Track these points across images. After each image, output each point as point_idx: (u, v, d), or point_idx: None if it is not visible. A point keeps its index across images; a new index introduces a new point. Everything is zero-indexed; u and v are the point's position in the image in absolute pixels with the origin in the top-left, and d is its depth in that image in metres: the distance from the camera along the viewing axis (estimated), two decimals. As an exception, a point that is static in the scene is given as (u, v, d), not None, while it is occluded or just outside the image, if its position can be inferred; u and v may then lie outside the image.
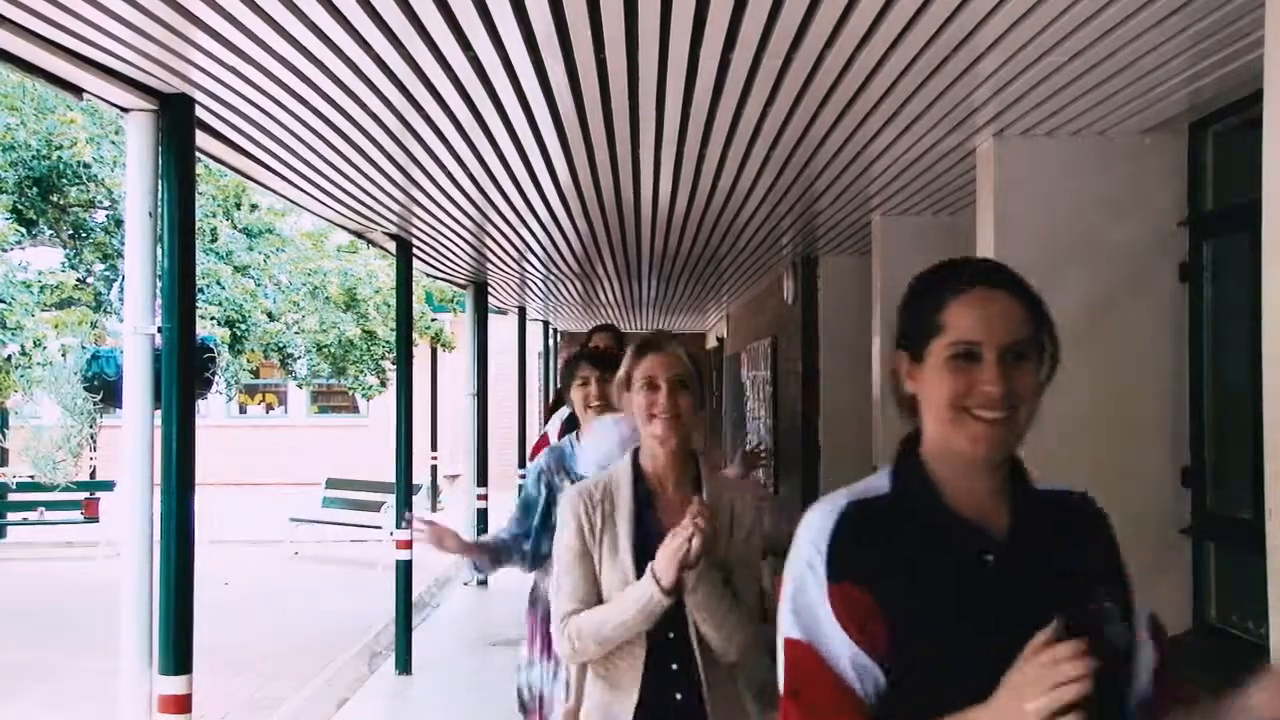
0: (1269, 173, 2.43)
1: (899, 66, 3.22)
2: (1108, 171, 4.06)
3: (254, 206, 12.72)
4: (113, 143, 10.68)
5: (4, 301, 9.88)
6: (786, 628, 1.38)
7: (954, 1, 2.72)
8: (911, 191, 5.21)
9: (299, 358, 13.67)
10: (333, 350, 13.58)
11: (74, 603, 10.13)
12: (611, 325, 5.63)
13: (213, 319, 11.51)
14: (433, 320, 15.82)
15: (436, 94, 3.49)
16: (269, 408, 22.74)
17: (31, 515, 14.03)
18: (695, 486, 2.44)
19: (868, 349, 6.14)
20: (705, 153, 4.35)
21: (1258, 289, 2.49)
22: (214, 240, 11.93)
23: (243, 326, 12.01)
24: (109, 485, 13.69)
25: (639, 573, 2.29)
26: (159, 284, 3.45)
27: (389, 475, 8.09)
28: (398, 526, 6.96)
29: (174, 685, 3.35)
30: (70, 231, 11.18)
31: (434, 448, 17.30)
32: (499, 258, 7.87)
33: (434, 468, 17.04)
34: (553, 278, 9.14)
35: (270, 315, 12.59)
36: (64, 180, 10.59)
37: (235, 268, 12.13)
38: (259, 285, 12.45)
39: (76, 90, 3.31)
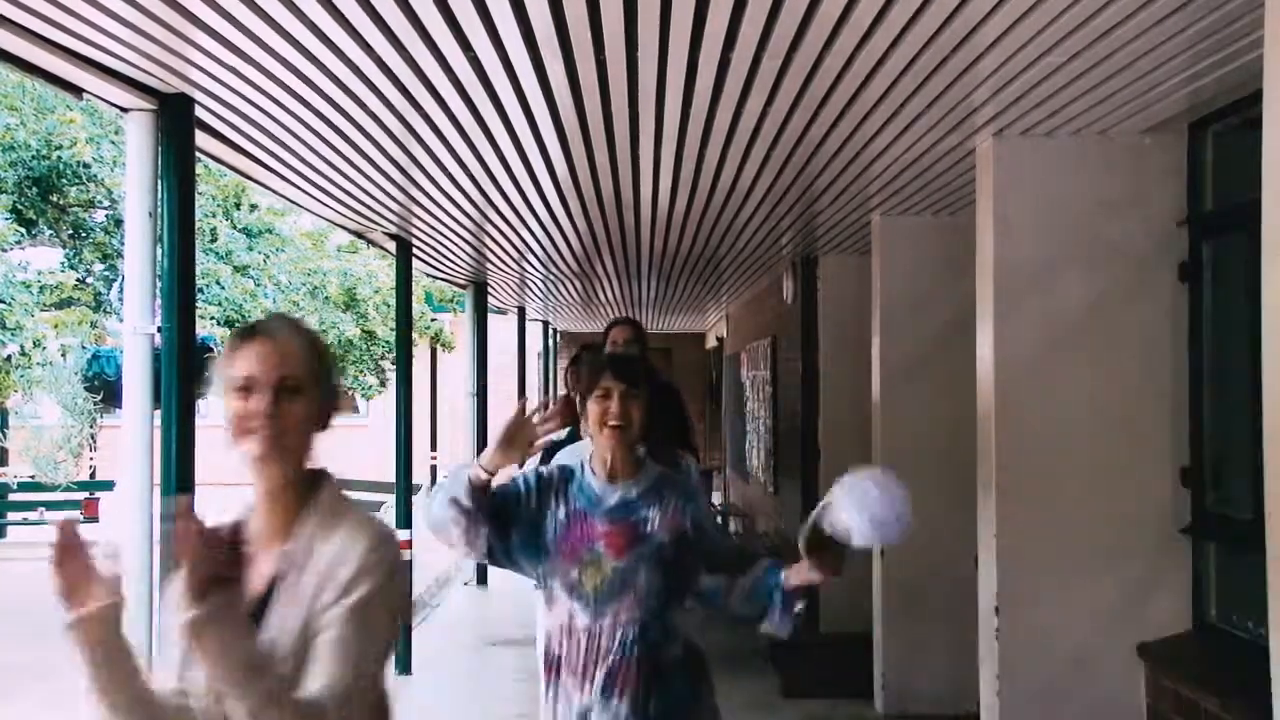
0: (1269, 173, 2.43)
1: (899, 66, 3.22)
2: (1108, 171, 4.06)
3: (254, 206, 12.72)
4: (112, 143, 10.68)
5: (4, 301, 9.88)
6: None
7: (954, 1, 2.72)
8: (911, 191, 5.21)
9: (299, 358, 13.64)
10: (332, 350, 13.57)
11: (74, 603, 10.12)
12: (633, 319, 4.90)
13: (213, 319, 11.51)
14: (432, 320, 15.83)
15: (436, 94, 3.49)
16: (269, 408, 22.72)
17: (31, 515, 14.03)
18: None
19: (867, 349, 6.14)
20: (705, 153, 4.35)
21: (1258, 289, 2.50)
22: (214, 240, 11.93)
23: (242, 326, 12.00)
24: (109, 485, 13.68)
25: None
26: (159, 284, 3.45)
27: (389, 475, 8.09)
28: (398, 526, 6.95)
29: (174, 685, 3.34)
30: (70, 231, 11.18)
31: (434, 448, 17.31)
32: (499, 258, 7.87)
33: (434, 468, 17.03)
34: (553, 278, 9.14)
35: (270, 315, 12.59)
36: (64, 180, 10.59)
37: (235, 268, 12.14)
38: (259, 285, 12.45)
39: (76, 90, 3.31)
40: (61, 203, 10.93)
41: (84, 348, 9.84)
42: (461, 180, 4.89)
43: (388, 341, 13.66)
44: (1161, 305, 4.03)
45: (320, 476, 1.77)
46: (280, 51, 3.08)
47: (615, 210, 5.67)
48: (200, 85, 3.40)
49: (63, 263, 11.13)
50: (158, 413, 3.41)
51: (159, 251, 3.45)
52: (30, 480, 12.66)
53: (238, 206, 12.50)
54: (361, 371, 14.17)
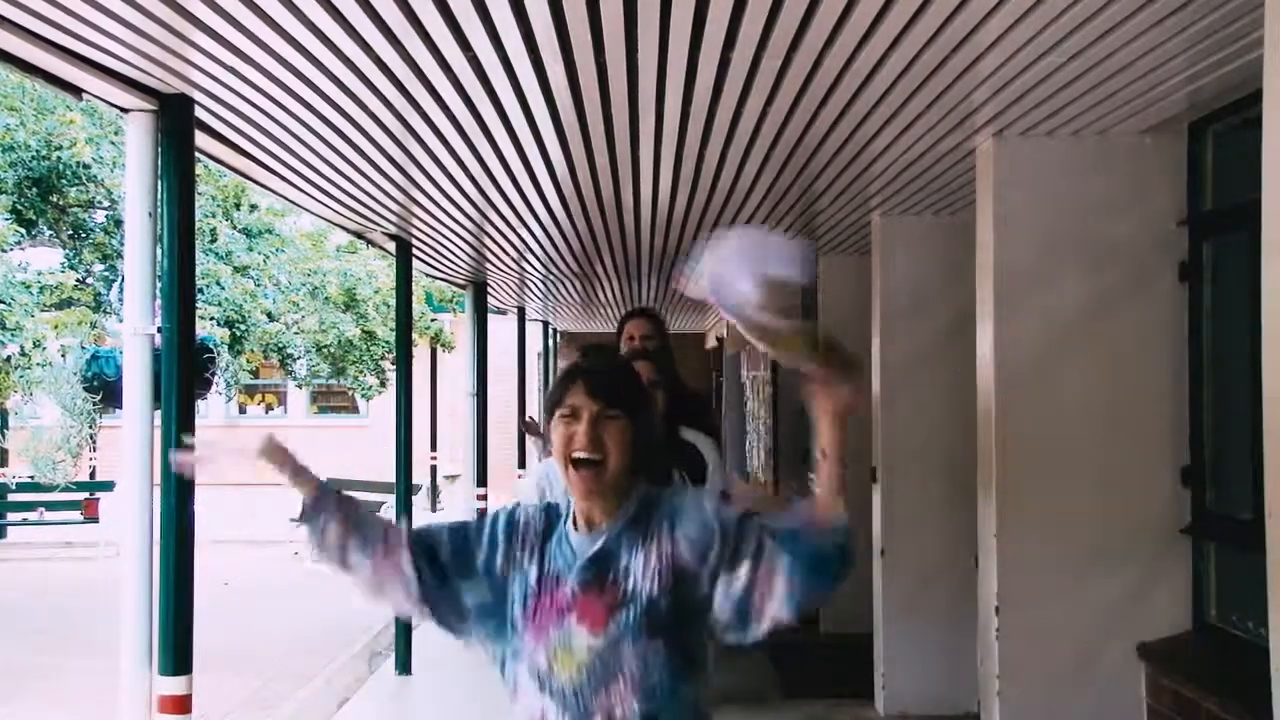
0: (1269, 173, 2.43)
1: (899, 66, 3.22)
2: (1108, 171, 4.07)
3: (254, 207, 12.72)
4: (112, 143, 10.67)
5: (4, 302, 9.87)
6: None
7: (954, 1, 2.72)
8: (911, 191, 5.21)
9: (299, 358, 13.67)
10: (332, 350, 13.58)
11: (74, 603, 10.14)
12: (652, 311, 4.26)
13: (212, 319, 11.51)
14: (432, 320, 15.83)
15: (436, 94, 3.49)
16: (269, 408, 22.74)
17: (31, 515, 14.06)
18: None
19: (867, 349, 6.14)
20: (705, 153, 4.35)
21: (1257, 289, 2.50)
22: (214, 240, 11.93)
23: (242, 327, 12.01)
24: (109, 485, 13.71)
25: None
26: (159, 284, 3.45)
27: (389, 475, 8.08)
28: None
29: (174, 685, 3.34)
30: (70, 232, 11.17)
31: (434, 448, 17.32)
32: (498, 258, 7.87)
33: (434, 468, 17.06)
34: (552, 278, 9.14)
35: (270, 315, 12.59)
36: (63, 181, 10.59)
37: (235, 268, 12.13)
38: (258, 285, 12.45)
39: (76, 90, 3.31)
40: (61, 203, 10.92)
41: (84, 348, 9.83)
42: (461, 180, 4.90)
43: (388, 341, 13.65)
44: (1161, 305, 4.03)
45: None
46: (280, 52, 3.08)
47: (615, 210, 5.67)
48: (200, 85, 3.40)
49: (63, 263, 11.13)
50: (158, 413, 3.41)
51: (159, 252, 3.45)
52: (30, 480, 12.67)
53: (238, 207, 12.49)
54: (361, 372, 14.16)
